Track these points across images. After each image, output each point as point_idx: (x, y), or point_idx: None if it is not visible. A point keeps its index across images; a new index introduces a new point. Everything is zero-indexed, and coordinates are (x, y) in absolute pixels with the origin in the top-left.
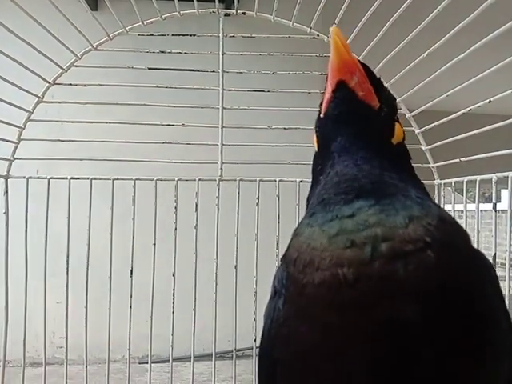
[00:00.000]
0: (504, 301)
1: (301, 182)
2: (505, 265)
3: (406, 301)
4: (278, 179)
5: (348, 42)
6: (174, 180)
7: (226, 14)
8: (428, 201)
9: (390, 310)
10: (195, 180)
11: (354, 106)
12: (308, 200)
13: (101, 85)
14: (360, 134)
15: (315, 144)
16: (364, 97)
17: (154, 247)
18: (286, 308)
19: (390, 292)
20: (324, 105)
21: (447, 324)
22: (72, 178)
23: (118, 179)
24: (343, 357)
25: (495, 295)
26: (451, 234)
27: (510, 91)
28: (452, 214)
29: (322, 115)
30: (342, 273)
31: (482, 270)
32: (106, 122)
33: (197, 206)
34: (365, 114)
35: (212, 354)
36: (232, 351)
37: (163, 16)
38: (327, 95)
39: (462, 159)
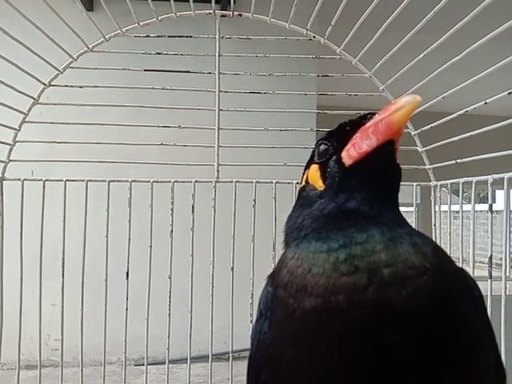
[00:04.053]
0: (488, 319)
1: (297, 183)
2: (499, 265)
3: (397, 325)
4: (274, 181)
5: (344, 43)
6: (170, 182)
7: (223, 16)
8: (418, 231)
9: (380, 336)
10: (191, 182)
11: (393, 165)
12: (289, 228)
13: (97, 86)
14: (386, 190)
15: (312, 180)
16: (396, 156)
17: (150, 249)
18: (272, 331)
19: (383, 317)
20: (358, 154)
21: (434, 347)
22: (68, 180)
23: (113, 181)
24: (330, 381)
25: (479, 316)
26: (444, 261)
27: (505, 93)
28: (448, 215)
29: (349, 162)
30: (335, 300)
31: (468, 293)
32: (102, 124)
33: (193, 207)
34: (398, 174)
35: (208, 356)
36: (228, 353)
37: (159, 17)
38: (366, 147)
39: (457, 161)
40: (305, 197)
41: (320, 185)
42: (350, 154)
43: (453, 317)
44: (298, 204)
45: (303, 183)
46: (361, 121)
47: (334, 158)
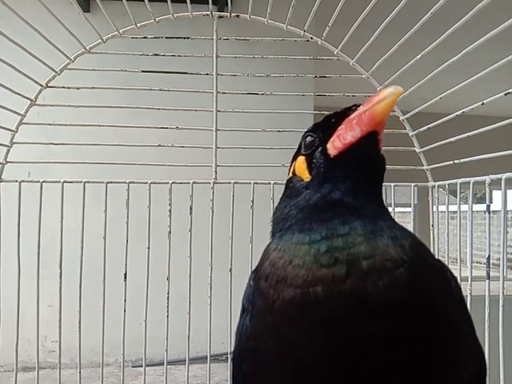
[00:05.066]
0: (466, 310)
1: None
2: (496, 265)
3: (374, 316)
4: (272, 182)
5: (342, 44)
6: (168, 183)
7: (220, 17)
8: (399, 225)
9: (357, 326)
10: (189, 183)
11: (376, 156)
12: (276, 219)
13: (94, 87)
14: (369, 180)
15: (298, 172)
16: (380, 147)
17: (148, 250)
18: (253, 323)
19: (360, 308)
20: (343, 145)
21: (410, 338)
22: (65, 182)
23: (111, 182)
24: (309, 371)
25: (456, 307)
26: (422, 253)
27: (502, 93)
28: (446, 215)
29: (334, 153)
30: (313, 291)
31: (445, 284)
32: (99, 125)
33: (191, 209)
34: (381, 165)
35: (206, 357)
36: (227, 354)
37: (156, 18)
38: (351, 138)
39: (455, 161)
40: (291, 188)
41: (306, 176)
42: (334, 145)
43: (429, 307)
44: (285, 195)
45: (290, 175)
46: (345, 112)
47: (320, 149)
